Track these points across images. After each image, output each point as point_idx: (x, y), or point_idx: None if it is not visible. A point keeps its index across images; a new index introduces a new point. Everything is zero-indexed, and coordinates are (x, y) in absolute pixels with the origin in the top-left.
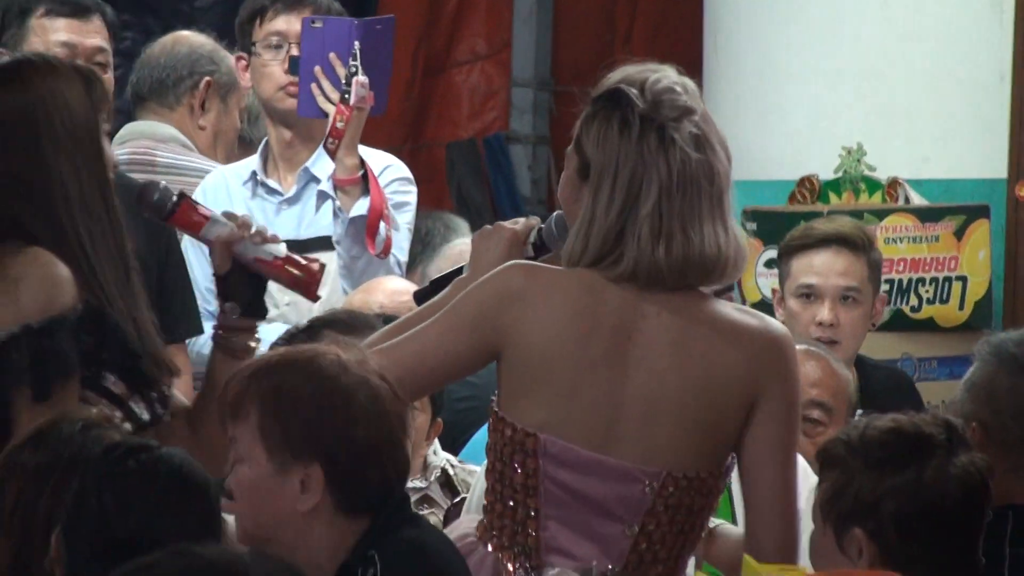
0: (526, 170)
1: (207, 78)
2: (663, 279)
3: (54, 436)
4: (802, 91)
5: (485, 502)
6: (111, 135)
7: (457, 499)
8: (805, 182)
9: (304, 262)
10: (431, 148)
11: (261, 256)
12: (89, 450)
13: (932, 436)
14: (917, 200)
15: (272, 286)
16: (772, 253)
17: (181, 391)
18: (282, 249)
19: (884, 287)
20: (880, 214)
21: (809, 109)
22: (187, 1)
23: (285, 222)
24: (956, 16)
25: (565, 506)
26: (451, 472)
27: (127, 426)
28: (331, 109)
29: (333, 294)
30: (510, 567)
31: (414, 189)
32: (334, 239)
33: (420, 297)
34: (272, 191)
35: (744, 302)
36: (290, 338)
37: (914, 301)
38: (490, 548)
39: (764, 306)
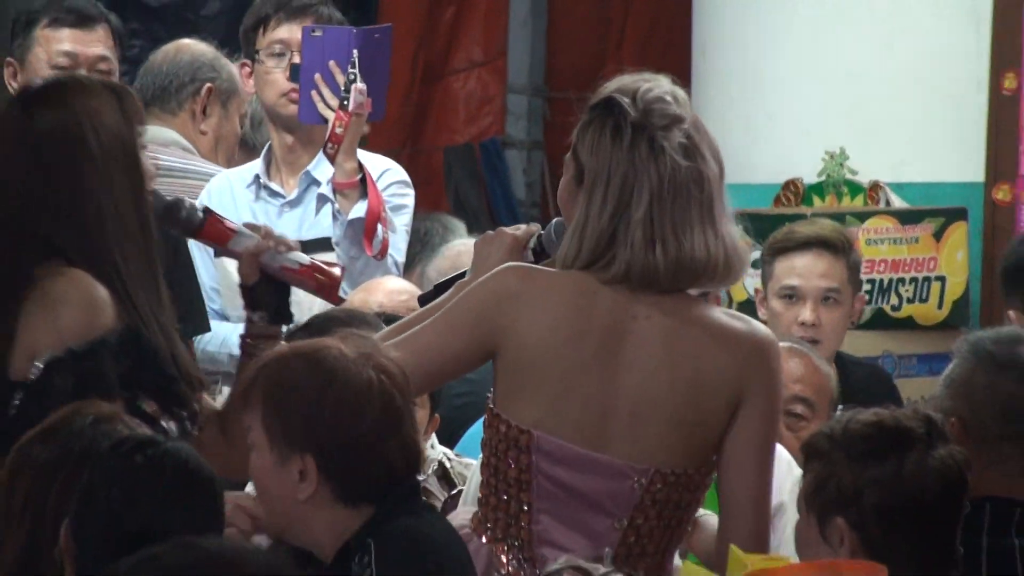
0: (521, 174)
1: (208, 84)
2: (655, 282)
3: (65, 430)
4: (787, 99)
5: (480, 495)
6: None
7: (454, 491)
8: (790, 185)
9: (327, 268)
10: (429, 152)
11: (287, 265)
12: (98, 444)
13: (912, 430)
14: (897, 203)
15: None
16: (756, 254)
17: None
18: (305, 257)
19: (866, 287)
20: (862, 216)
21: (794, 116)
22: (193, 10)
23: (287, 224)
24: (935, 27)
25: (557, 501)
26: (448, 465)
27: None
28: (331, 115)
29: None
30: (503, 559)
31: (411, 192)
32: (333, 241)
33: (424, 300)
34: (275, 194)
35: (731, 301)
36: (290, 336)
37: (895, 300)
38: (484, 540)
39: (751, 305)
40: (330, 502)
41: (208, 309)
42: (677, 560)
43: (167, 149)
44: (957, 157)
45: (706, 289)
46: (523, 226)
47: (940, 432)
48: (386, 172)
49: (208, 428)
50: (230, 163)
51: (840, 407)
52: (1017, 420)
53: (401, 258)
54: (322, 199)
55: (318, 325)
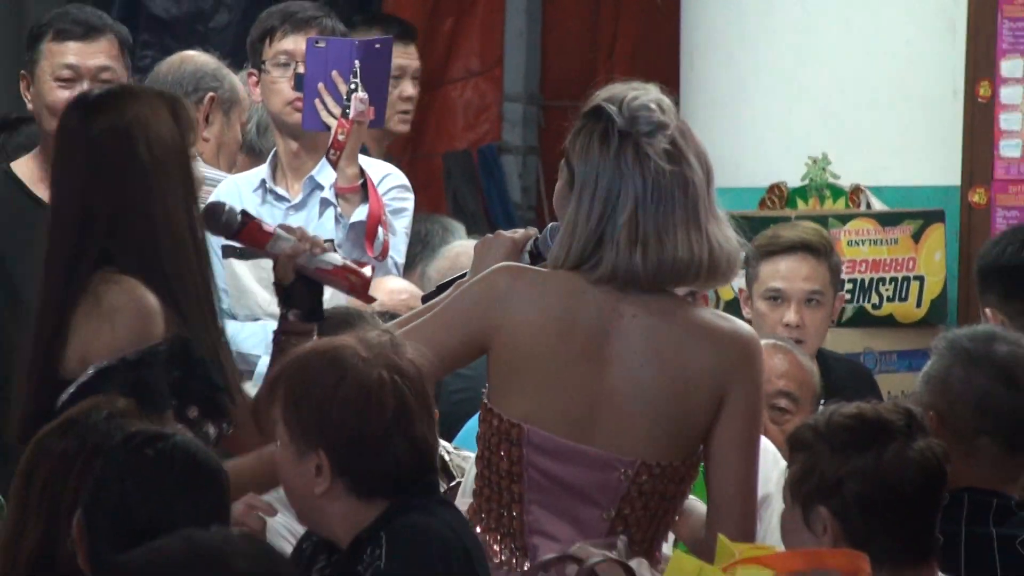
0: (517, 178)
1: (211, 94)
2: (639, 282)
3: (81, 424)
4: (771, 106)
5: (475, 487)
6: None
7: (452, 483)
8: (774, 189)
9: (358, 269)
10: (429, 158)
11: (321, 267)
12: (112, 438)
13: (892, 422)
14: (878, 206)
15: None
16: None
17: None
18: (338, 258)
19: (847, 286)
20: (844, 219)
21: (778, 122)
22: (203, 22)
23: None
24: (913, 37)
25: (547, 492)
26: (447, 458)
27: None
28: (333, 123)
29: (336, 293)
30: (496, 548)
31: (411, 196)
32: (335, 243)
33: (427, 300)
34: (280, 198)
35: (719, 300)
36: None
37: (875, 299)
38: (479, 530)
39: (737, 303)
40: (345, 496)
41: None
42: (668, 550)
43: None
44: (934, 162)
45: (694, 289)
46: (521, 231)
47: (920, 425)
48: (387, 177)
49: (245, 423)
50: (231, 169)
51: (823, 402)
52: (991, 414)
53: (401, 259)
54: (325, 203)
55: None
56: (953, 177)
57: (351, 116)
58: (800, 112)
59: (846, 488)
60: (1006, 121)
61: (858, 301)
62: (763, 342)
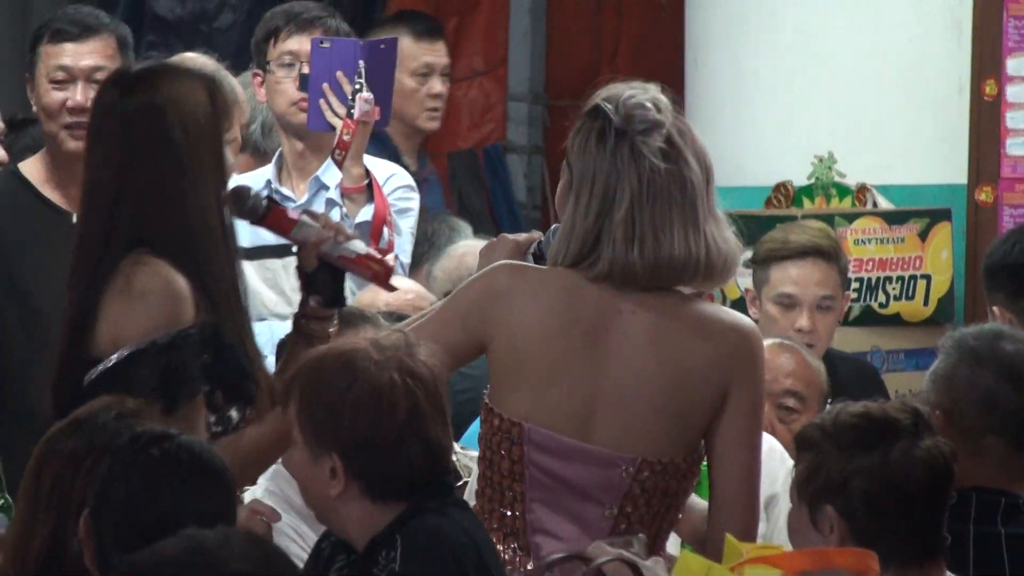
0: (522, 178)
1: None
2: (636, 279)
3: (90, 423)
4: (777, 105)
5: (477, 487)
6: None
7: (460, 483)
8: (780, 188)
9: (380, 257)
10: (434, 157)
11: (345, 255)
12: (120, 437)
13: (899, 421)
14: (884, 204)
15: (286, 286)
16: (749, 253)
17: None
18: (362, 246)
19: (854, 285)
20: (850, 217)
21: (783, 121)
22: (207, 23)
23: None
24: (918, 35)
25: (549, 490)
26: (454, 458)
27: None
28: (338, 123)
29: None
30: (499, 547)
31: (416, 196)
32: None
33: None
34: (285, 198)
35: (724, 299)
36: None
37: (882, 298)
38: None
39: (743, 303)
40: (359, 498)
41: None
42: (676, 549)
43: None
44: (941, 160)
45: (694, 288)
46: (524, 234)
47: (927, 424)
48: (392, 177)
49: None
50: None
51: (829, 401)
52: (998, 413)
53: (406, 259)
54: (330, 203)
55: None
56: (960, 176)
57: (356, 116)
58: (805, 111)
59: (852, 487)
60: (1012, 119)
61: (865, 300)
62: (770, 341)
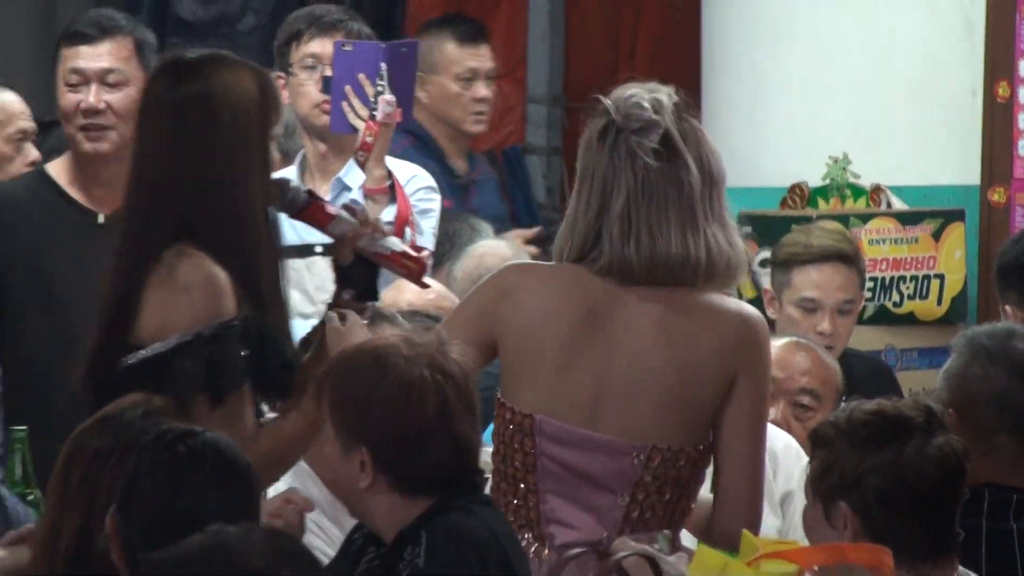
0: (541, 179)
1: None
2: (634, 275)
3: (116, 421)
4: (792, 106)
5: (492, 482)
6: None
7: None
8: (795, 189)
9: (415, 254)
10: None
11: (380, 251)
12: (146, 435)
13: (912, 419)
14: (898, 205)
15: (309, 285)
16: (766, 253)
17: None
18: (397, 243)
19: (869, 284)
20: (864, 218)
21: (798, 122)
22: (229, 25)
23: None
24: (931, 36)
25: (561, 480)
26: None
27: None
28: (361, 125)
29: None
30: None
31: (438, 197)
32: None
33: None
34: None
35: (741, 297)
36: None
37: (896, 297)
38: None
39: (759, 303)
40: (388, 492)
41: None
42: (691, 543)
43: None
44: (954, 161)
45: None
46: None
47: (940, 421)
48: (414, 178)
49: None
50: None
51: (844, 399)
52: (1010, 411)
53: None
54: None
55: None
56: (972, 176)
57: (379, 118)
58: (820, 112)
59: (866, 484)
60: None
61: (879, 299)
62: (785, 339)
